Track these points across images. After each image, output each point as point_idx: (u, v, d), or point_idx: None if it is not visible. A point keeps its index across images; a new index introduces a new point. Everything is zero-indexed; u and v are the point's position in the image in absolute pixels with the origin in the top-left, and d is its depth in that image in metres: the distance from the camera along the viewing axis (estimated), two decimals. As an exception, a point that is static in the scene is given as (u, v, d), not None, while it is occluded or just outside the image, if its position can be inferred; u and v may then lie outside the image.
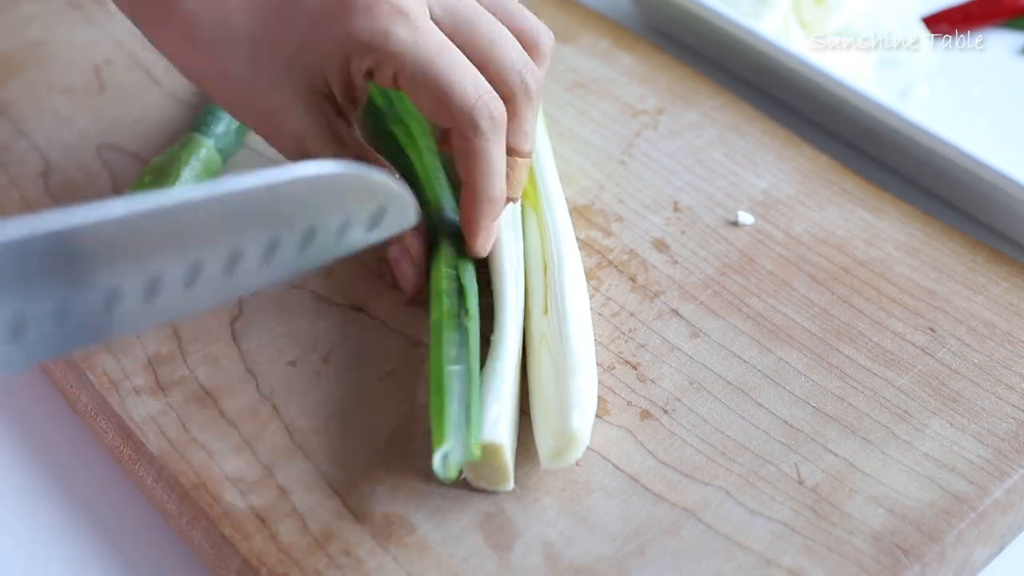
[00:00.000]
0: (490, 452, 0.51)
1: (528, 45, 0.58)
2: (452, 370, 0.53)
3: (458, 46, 0.55)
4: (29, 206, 0.66)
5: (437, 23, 0.55)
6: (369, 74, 0.55)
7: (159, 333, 0.59)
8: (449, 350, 0.54)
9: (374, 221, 0.50)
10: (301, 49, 0.55)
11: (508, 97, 0.56)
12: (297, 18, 0.55)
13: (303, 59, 0.55)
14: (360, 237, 0.50)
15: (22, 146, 0.69)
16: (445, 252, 0.59)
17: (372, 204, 0.50)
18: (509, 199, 0.59)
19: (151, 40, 0.58)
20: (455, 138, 0.56)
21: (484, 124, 0.54)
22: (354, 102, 0.58)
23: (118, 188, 0.66)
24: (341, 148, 0.57)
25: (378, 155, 0.59)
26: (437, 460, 0.50)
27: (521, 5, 0.59)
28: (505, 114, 0.55)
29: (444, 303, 0.56)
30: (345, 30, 0.54)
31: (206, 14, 0.55)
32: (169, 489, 0.53)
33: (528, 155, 0.58)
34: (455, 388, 0.52)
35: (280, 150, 0.58)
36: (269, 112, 0.56)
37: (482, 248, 0.58)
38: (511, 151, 0.57)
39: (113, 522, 0.55)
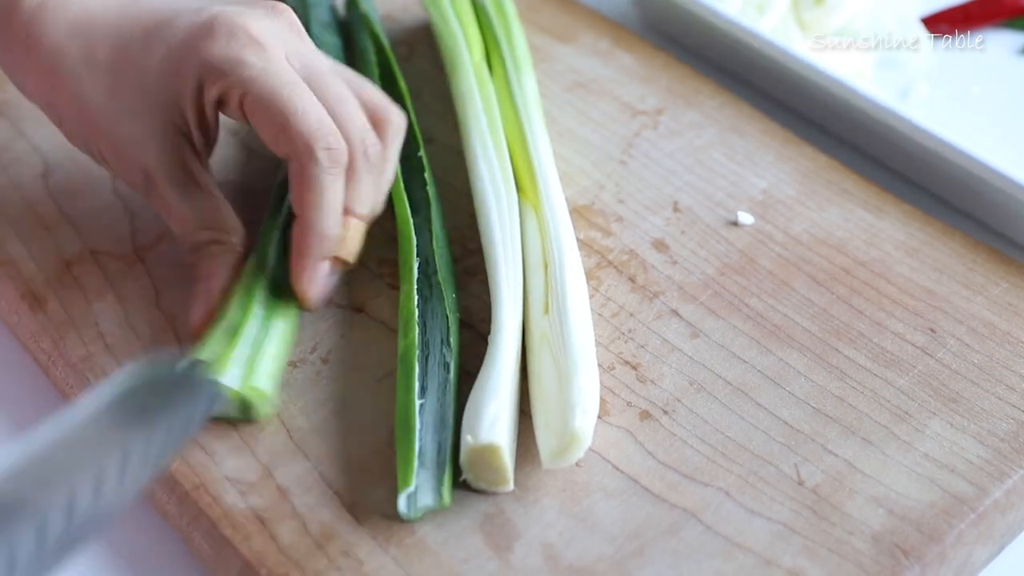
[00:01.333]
0: (488, 453, 0.51)
1: (377, 119, 0.58)
2: (421, 404, 0.53)
3: None
4: (29, 207, 0.66)
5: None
6: (220, 104, 0.56)
7: (159, 335, 0.59)
8: (418, 382, 0.54)
9: (190, 413, 0.45)
10: (159, 80, 0.55)
11: (348, 157, 0.56)
12: (158, 48, 0.56)
13: (161, 90, 0.56)
14: (190, 428, 0.45)
15: (22, 146, 0.69)
16: (415, 273, 0.58)
17: (183, 396, 0.45)
18: (341, 260, 0.57)
19: (13, 79, 0.59)
20: (291, 167, 0.55)
21: (320, 154, 0.54)
22: (207, 137, 0.58)
23: (118, 188, 0.66)
24: (189, 190, 0.57)
25: (226, 202, 0.58)
26: (401, 502, 0.50)
27: (372, 85, 0.59)
28: (347, 155, 0.55)
29: (413, 331, 0.56)
30: (201, 57, 0.55)
31: (68, 47, 0.56)
32: (169, 490, 0.53)
33: (364, 219, 0.57)
34: (426, 424, 0.52)
35: (129, 184, 0.58)
36: (123, 143, 0.57)
37: (305, 291, 0.56)
38: (346, 210, 0.57)
39: (111, 523, 0.55)
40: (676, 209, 0.65)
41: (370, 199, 0.58)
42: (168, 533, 0.55)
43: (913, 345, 0.58)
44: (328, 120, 0.55)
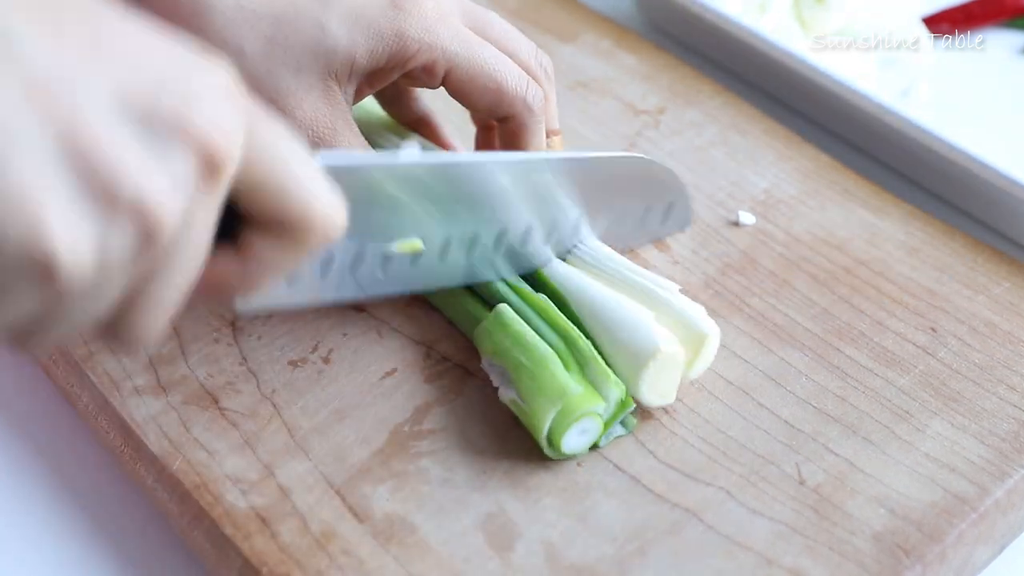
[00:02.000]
0: (672, 359, 0.53)
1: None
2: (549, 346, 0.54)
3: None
4: (30, 205, 0.65)
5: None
6: (409, 75, 0.57)
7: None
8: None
9: (666, 214, 0.60)
10: (336, 36, 0.56)
11: (515, 117, 0.59)
12: (335, 8, 0.56)
13: (336, 47, 0.56)
14: (656, 228, 0.60)
15: (22, 145, 0.69)
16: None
17: (667, 197, 0.61)
18: None
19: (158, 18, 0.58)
20: (510, 124, 0.59)
21: (535, 105, 0.59)
22: (358, 97, 0.59)
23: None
24: (355, 136, 0.58)
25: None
26: (603, 439, 0.53)
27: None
28: (543, 94, 0.59)
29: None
30: (395, 28, 0.56)
31: None
32: (170, 489, 0.53)
33: (559, 132, 0.63)
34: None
35: None
36: (277, 96, 0.56)
37: None
38: (548, 132, 0.61)
39: (114, 522, 0.55)
40: (677, 208, 0.65)
41: (555, 113, 0.62)
42: (169, 532, 0.55)
43: (914, 345, 0.58)
44: (522, 72, 0.59)
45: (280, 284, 0.49)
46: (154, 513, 0.55)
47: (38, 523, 0.55)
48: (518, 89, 0.58)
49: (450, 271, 0.56)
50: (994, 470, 0.53)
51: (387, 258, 0.53)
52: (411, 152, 0.52)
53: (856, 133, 0.72)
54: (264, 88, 0.56)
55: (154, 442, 0.54)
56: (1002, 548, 0.54)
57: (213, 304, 0.44)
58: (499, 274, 0.57)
